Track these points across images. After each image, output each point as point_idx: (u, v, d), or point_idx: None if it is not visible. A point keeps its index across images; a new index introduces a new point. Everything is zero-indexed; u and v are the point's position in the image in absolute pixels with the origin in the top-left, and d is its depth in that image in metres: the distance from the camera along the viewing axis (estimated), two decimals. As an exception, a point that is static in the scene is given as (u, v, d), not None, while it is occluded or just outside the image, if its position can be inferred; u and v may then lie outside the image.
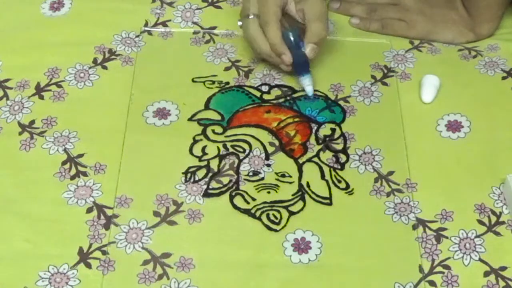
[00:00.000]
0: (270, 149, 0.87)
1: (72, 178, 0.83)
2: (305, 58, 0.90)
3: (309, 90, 0.91)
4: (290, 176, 0.85)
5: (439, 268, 0.78)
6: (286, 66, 0.91)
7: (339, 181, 0.85)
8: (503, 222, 0.82)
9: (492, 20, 0.98)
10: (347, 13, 1.02)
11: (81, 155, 0.85)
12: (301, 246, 0.79)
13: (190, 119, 0.89)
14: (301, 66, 0.91)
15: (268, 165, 0.85)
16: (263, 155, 0.86)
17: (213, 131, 0.88)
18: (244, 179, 0.84)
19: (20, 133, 0.87)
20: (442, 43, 0.99)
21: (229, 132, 0.88)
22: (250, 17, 0.90)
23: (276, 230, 0.80)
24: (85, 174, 0.84)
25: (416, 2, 1.00)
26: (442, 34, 0.99)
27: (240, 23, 0.92)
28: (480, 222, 0.82)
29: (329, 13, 1.02)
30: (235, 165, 0.85)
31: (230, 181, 0.84)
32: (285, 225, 0.81)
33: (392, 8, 1.01)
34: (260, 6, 0.89)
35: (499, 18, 0.98)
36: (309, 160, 0.86)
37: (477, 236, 0.81)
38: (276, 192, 0.83)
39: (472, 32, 0.99)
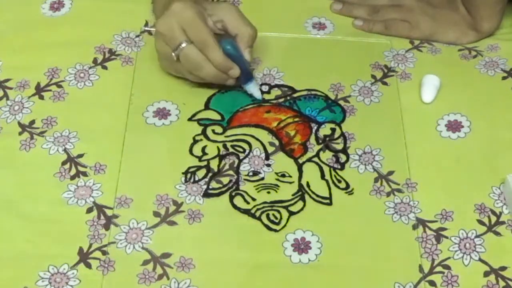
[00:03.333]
0: (270, 149, 0.87)
1: (72, 178, 0.83)
2: (247, 64, 0.89)
3: (259, 95, 0.90)
4: (290, 176, 0.85)
5: (439, 268, 0.78)
6: (233, 80, 0.89)
7: (339, 181, 0.85)
8: (503, 222, 0.82)
9: (492, 16, 0.98)
10: (349, 14, 1.02)
11: (81, 155, 0.85)
12: (301, 246, 0.79)
13: (190, 119, 0.89)
14: (245, 74, 0.89)
15: (268, 165, 0.85)
16: (263, 155, 0.86)
17: (213, 131, 0.88)
18: (244, 179, 0.84)
19: (20, 133, 0.87)
20: (445, 43, 0.99)
21: (229, 132, 0.88)
22: (183, 45, 0.85)
23: (276, 230, 0.80)
24: (85, 174, 0.84)
25: (418, 2, 1.00)
26: (445, 35, 0.99)
27: (174, 54, 0.86)
28: (480, 222, 0.82)
29: (330, 13, 1.02)
30: (235, 165, 0.85)
31: (230, 181, 0.84)
32: (285, 225, 0.81)
33: (394, 9, 1.01)
34: (190, 32, 0.84)
35: (499, 14, 0.98)
36: (309, 160, 0.86)
37: (477, 236, 0.81)
38: (276, 192, 0.83)
39: (474, 31, 0.99)
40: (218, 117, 0.89)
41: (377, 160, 0.87)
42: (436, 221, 0.82)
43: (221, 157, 0.86)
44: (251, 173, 0.85)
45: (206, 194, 0.83)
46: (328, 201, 0.83)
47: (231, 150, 0.87)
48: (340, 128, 0.89)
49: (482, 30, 0.99)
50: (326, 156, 0.87)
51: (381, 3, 1.02)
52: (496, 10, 0.98)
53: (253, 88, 0.90)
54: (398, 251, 0.80)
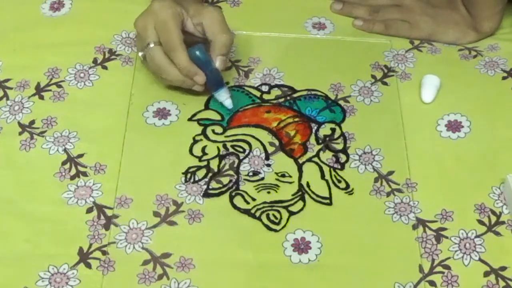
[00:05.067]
0: (270, 149, 0.87)
1: (72, 178, 0.83)
2: (217, 71, 0.87)
3: (229, 103, 0.89)
4: (290, 176, 0.85)
5: (439, 268, 0.78)
6: (200, 86, 0.87)
7: (339, 181, 0.85)
8: (503, 222, 0.82)
9: (492, 16, 0.98)
10: (349, 14, 1.02)
11: (81, 155, 0.85)
12: (301, 246, 0.79)
13: (190, 119, 0.89)
14: (215, 81, 0.88)
15: (268, 165, 0.85)
16: (263, 155, 0.86)
17: (213, 131, 0.88)
18: (244, 179, 0.84)
19: (20, 133, 0.87)
20: (445, 43, 0.99)
21: (229, 132, 0.88)
22: (151, 46, 0.85)
23: (276, 230, 0.80)
24: (85, 174, 0.84)
25: (418, 2, 1.00)
26: (445, 35, 0.99)
27: (141, 54, 0.87)
28: (480, 222, 0.82)
29: (330, 13, 1.02)
30: (235, 165, 0.85)
31: (230, 181, 0.84)
32: (285, 225, 0.81)
33: (395, 9, 1.01)
34: (160, 33, 0.84)
35: (499, 14, 0.98)
36: (309, 160, 0.86)
37: (477, 236, 0.81)
38: (276, 192, 0.83)
39: (474, 31, 0.99)
40: (218, 117, 0.89)
41: (377, 160, 0.87)
42: (436, 221, 0.82)
43: (221, 157, 0.86)
44: (251, 173, 0.85)
45: (206, 194, 0.83)
46: (328, 201, 0.83)
47: (231, 150, 0.87)
48: (340, 128, 0.89)
49: (482, 30, 0.99)
50: (326, 156, 0.87)
51: (381, 3, 1.02)
52: (496, 11, 0.98)
53: (222, 96, 0.89)
54: (398, 251, 0.80)
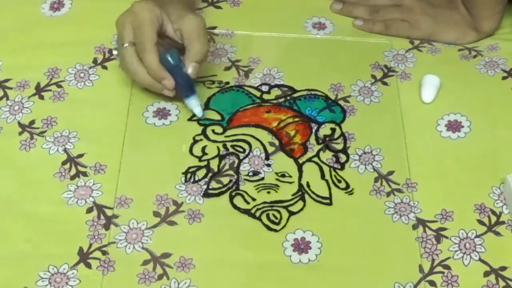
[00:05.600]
0: (270, 149, 0.87)
1: (72, 178, 0.83)
2: (188, 78, 0.86)
3: (198, 111, 0.88)
4: (290, 176, 0.85)
5: (439, 268, 0.78)
6: (169, 90, 0.86)
7: (339, 181, 0.85)
8: (503, 222, 0.82)
9: (492, 16, 0.98)
10: (349, 14, 1.02)
11: (81, 155, 0.85)
12: (301, 246, 0.79)
13: (190, 119, 0.89)
14: (185, 87, 0.87)
15: (268, 165, 0.85)
16: (263, 155, 0.86)
17: (213, 131, 0.88)
18: (244, 179, 0.84)
19: (20, 133, 0.87)
20: (445, 43, 0.99)
21: (229, 132, 0.88)
22: (125, 45, 0.85)
23: (276, 230, 0.80)
24: (85, 174, 0.84)
25: (418, 2, 1.00)
26: (445, 35, 0.99)
27: (115, 52, 0.87)
28: (480, 222, 0.82)
29: (330, 13, 1.02)
30: (235, 165, 0.85)
31: (230, 181, 0.84)
32: (285, 225, 0.81)
33: (395, 9, 1.01)
34: (135, 33, 0.85)
35: (499, 14, 0.98)
36: (309, 160, 0.86)
37: (477, 236, 0.81)
38: (276, 192, 0.83)
39: (474, 31, 0.99)
40: (218, 117, 0.89)
41: (377, 160, 0.87)
42: (436, 221, 0.82)
43: (221, 157, 0.86)
44: (251, 173, 0.85)
45: (206, 194, 0.83)
46: (328, 201, 0.83)
47: (231, 150, 0.87)
48: (340, 128, 0.89)
49: (482, 30, 0.99)
50: (326, 156, 0.87)
51: (381, 3, 1.02)
52: (496, 11, 0.98)
53: (192, 104, 0.88)
54: (398, 251, 0.80)
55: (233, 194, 0.83)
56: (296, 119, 0.90)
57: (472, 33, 0.99)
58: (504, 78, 0.96)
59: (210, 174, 0.84)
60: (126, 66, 0.87)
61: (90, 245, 0.78)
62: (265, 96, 0.92)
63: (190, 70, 0.86)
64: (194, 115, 0.89)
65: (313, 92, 0.93)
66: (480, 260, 0.79)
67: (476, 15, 0.98)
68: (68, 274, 0.76)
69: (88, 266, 0.77)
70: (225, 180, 0.84)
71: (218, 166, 0.85)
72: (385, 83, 0.95)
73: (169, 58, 0.85)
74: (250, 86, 0.93)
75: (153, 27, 0.85)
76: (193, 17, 0.88)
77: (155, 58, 0.84)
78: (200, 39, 0.87)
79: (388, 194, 0.84)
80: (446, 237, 0.81)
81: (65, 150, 0.85)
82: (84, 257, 0.77)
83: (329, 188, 0.84)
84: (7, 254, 0.77)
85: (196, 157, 0.86)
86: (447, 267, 0.78)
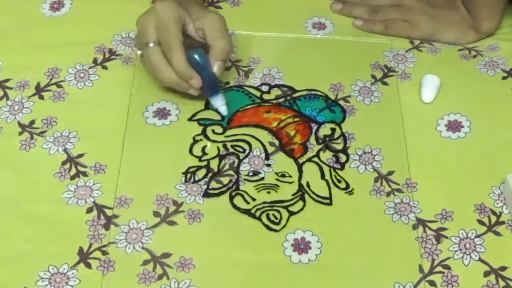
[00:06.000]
0: (270, 149, 0.87)
1: (72, 178, 0.83)
2: (214, 77, 0.86)
3: (224, 110, 0.88)
4: (290, 176, 0.85)
5: (439, 268, 0.78)
6: (195, 89, 0.86)
7: (339, 181, 0.85)
8: (503, 222, 0.82)
9: (492, 16, 0.98)
10: (349, 14, 1.02)
11: (81, 155, 0.85)
12: (301, 246, 0.79)
13: (190, 119, 0.89)
14: (211, 86, 0.87)
15: (268, 165, 0.85)
16: (263, 155, 0.86)
17: (213, 131, 0.88)
18: (244, 179, 0.84)
19: (20, 133, 0.87)
20: (445, 43, 0.99)
21: (229, 132, 0.88)
22: (150, 45, 0.84)
23: (276, 230, 0.80)
24: (85, 174, 0.84)
25: (418, 2, 1.00)
26: (445, 35, 0.99)
27: (139, 52, 0.87)
28: (480, 222, 0.82)
29: (330, 13, 1.02)
30: (235, 165, 0.85)
31: (230, 181, 0.84)
32: (285, 225, 0.81)
33: (394, 9, 1.01)
34: (160, 33, 0.84)
35: (499, 14, 0.98)
36: (309, 160, 0.86)
37: (477, 236, 0.81)
38: (276, 192, 0.83)
39: (474, 31, 0.99)
40: (218, 117, 0.89)
41: (377, 160, 0.87)
42: (436, 221, 0.82)
43: (221, 157, 0.86)
44: (251, 173, 0.85)
45: (206, 194, 0.83)
46: (328, 201, 0.83)
47: (231, 150, 0.87)
48: (340, 128, 0.89)
49: (482, 30, 0.99)
50: (326, 156, 0.87)
51: (381, 3, 1.02)
52: (496, 11, 0.98)
53: (217, 103, 0.88)
54: (398, 251, 0.80)
55: (233, 194, 0.83)
56: (296, 119, 0.90)
57: (472, 33, 0.99)
58: (504, 78, 0.96)
59: (210, 174, 0.84)
60: (152, 66, 0.86)
61: (90, 245, 0.78)
62: (265, 96, 0.92)
63: (215, 68, 0.86)
64: (194, 115, 0.89)
65: (313, 92, 0.93)
66: (480, 260, 0.79)
67: (476, 15, 0.98)
68: (68, 274, 0.76)
69: (88, 266, 0.77)
70: (225, 180, 0.84)
71: (218, 166, 0.85)
72: (385, 83, 0.95)
73: (197, 57, 0.85)
74: (250, 86, 0.93)
75: (178, 27, 0.84)
76: (215, 15, 0.88)
77: (183, 57, 0.84)
78: (224, 37, 0.87)
79: (388, 194, 0.84)
80: (446, 237, 0.81)
81: (65, 150, 0.85)
82: (84, 257, 0.77)
83: (329, 188, 0.84)
84: (7, 254, 0.77)
85: (196, 157, 0.86)
86: (447, 267, 0.78)
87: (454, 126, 0.90)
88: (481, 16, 0.98)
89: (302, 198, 0.83)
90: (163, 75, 0.86)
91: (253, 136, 0.88)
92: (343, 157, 0.87)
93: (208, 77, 0.86)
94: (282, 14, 1.02)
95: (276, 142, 0.87)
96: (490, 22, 0.98)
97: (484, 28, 0.99)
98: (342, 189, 0.84)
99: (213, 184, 0.84)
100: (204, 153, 0.86)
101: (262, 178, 0.84)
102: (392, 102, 0.93)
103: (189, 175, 0.84)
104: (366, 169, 0.86)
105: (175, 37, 0.84)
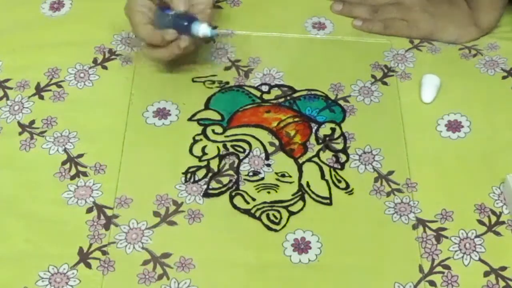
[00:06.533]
0: (270, 149, 0.87)
1: (72, 178, 0.83)
2: (183, 16, 0.86)
3: (207, 31, 0.86)
4: (290, 176, 0.85)
5: (439, 268, 0.78)
6: (182, 41, 0.86)
7: (339, 181, 0.85)
8: (503, 222, 0.82)
9: (492, 11, 0.98)
10: (350, 14, 1.02)
11: (81, 155, 0.85)
12: (301, 246, 0.79)
13: (190, 119, 0.89)
14: (186, 21, 0.86)
15: (268, 165, 0.85)
16: (263, 155, 0.86)
17: (213, 131, 0.88)
18: (244, 179, 0.84)
19: (20, 133, 0.87)
20: (445, 42, 0.99)
21: (229, 132, 0.88)
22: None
23: (276, 230, 0.80)
24: (85, 174, 0.84)
25: (418, 0, 1.00)
26: (445, 32, 0.99)
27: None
28: (480, 222, 0.82)
29: (330, 13, 1.02)
30: (235, 165, 0.85)
31: (230, 181, 0.84)
32: (285, 225, 0.81)
33: (394, 8, 1.01)
34: (127, 15, 0.88)
35: (500, 10, 0.98)
36: (309, 160, 0.86)
37: (477, 236, 0.81)
38: (276, 192, 0.83)
39: (474, 27, 0.98)
40: (218, 117, 0.89)
41: (377, 160, 0.87)
42: (436, 221, 0.82)
43: (221, 157, 0.86)
44: (251, 173, 0.85)
45: (206, 194, 0.83)
46: (328, 201, 0.83)
47: (231, 150, 0.87)
48: (340, 128, 0.89)
49: (482, 26, 0.98)
50: (326, 156, 0.87)
51: (381, 3, 1.02)
52: (497, 6, 0.97)
53: (198, 29, 0.86)
54: (398, 251, 0.80)
55: (233, 194, 0.83)
56: (296, 119, 0.90)
57: (472, 29, 0.99)
58: (504, 77, 0.96)
59: (210, 174, 0.84)
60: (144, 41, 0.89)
61: (90, 245, 0.78)
62: (265, 96, 0.92)
63: (177, 4, 0.86)
64: (194, 115, 0.89)
65: (313, 92, 0.93)
66: (480, 260, 0.79)
67: (476, 8, 0.98)
68: (68, 274, 0.76)
69: (88, 266, 0.77)
70: (225, 180, 0.84)
71: (218, 166, 0.85)
72: (385, 83, 0.95)
73: (158, 13, 0.87)
74: (250, 86, 0.93)
75: (138, 2, 0.87)
76: None
77: (145, 28, 0.86)
78: None
79: (388, 194, 0.84)
80: (446, 237, 0.81)
81: (65, 150, 0.86)
82: (84, 257, 0.77)
83: (329, 188, 0.84)
84: (7, 254, 0.77)
85: (196, 157, 0.86)
86: (447, 267, 0.78)
87: (454, 126, 0.90)
88: (482, 10, 0.97)
89: (302, 198, 0.83)
90: (155, 39, 0.87)
91: (253, 136, 0.88)
92: (343, 157, 0.87)
93: (177, 19, 0.86)
94: (282, 14, 1.02)
95: (276, 142, 0.87)
96: (490, 16, 0.98)
97: (484, 23, 0.98)
98: (342, 189, 0.84)
99: (213, 184, 0.84)
100: (204, 153, 0.86)
101: (262, 178, 0.84)
102: (392, 102, 0.93)
103: (189, 175, 0.84)
104: (366, 169, 0.86)
105: (134, 14, 0.87)
